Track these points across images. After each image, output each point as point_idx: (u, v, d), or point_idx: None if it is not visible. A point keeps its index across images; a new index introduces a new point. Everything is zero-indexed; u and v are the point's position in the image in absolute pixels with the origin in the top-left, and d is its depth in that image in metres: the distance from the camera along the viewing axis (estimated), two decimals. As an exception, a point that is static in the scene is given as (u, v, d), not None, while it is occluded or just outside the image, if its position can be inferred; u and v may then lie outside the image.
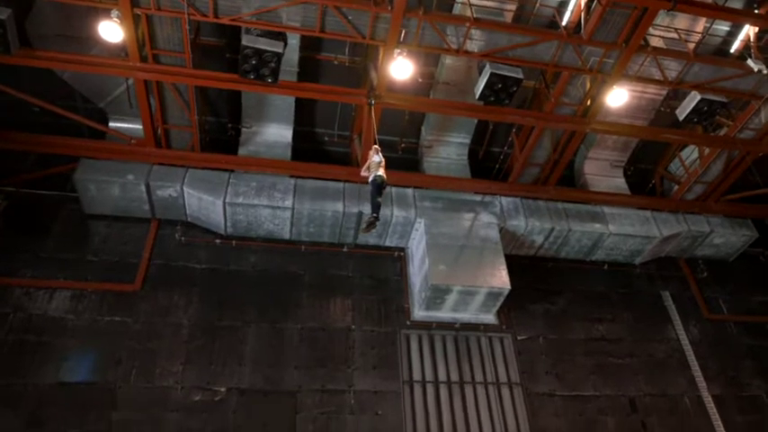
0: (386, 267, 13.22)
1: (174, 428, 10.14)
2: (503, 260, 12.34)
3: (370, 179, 9.35)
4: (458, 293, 12.01)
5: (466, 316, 12.61)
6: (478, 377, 11.98)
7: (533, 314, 13.27)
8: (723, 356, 13.78)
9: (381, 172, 9.26)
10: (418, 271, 12.61)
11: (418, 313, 12.48)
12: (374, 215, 9.52)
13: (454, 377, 11.86)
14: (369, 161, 9.49)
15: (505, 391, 11.93)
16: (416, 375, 11.71)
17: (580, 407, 12.11)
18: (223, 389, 10.71)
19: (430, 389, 11.62)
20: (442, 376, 11.83)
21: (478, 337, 12.56)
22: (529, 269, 13.99)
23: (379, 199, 9.41)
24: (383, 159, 9.40)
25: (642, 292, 14.56)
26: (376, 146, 9.50)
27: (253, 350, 11.27)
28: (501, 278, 12.04)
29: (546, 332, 13.05)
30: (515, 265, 12.84)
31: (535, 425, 11.61)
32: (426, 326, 12.43)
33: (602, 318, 13.67)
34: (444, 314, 12.53)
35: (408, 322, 12.40)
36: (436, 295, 12.00)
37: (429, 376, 11.77)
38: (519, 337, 12.77)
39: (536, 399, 11.99)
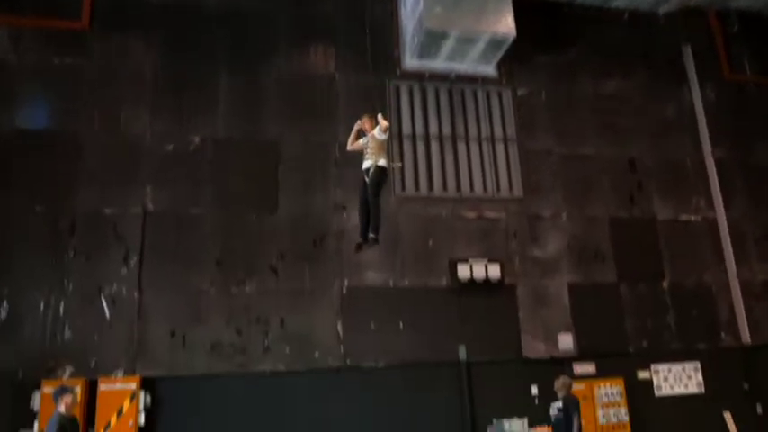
0: (374, 7, 12.85)
1: (147, 177, 10.98)
2: (509, 1, 12.14)
3: (366, 166, 8.62)
4: (455, 40, 12.05)
5: (463, 66, 12.89)
6: (473, 132, 12.79)
7: (538, 66, 13.53)
8: (736, 120, 14.44)
9: (383, 162, 8.48)
10: (411, 13, 12.48)
11: (410, 62, 12.74)
12: (372, 236, 8.23)
13: (446, 131, 12.65)
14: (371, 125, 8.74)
15: (500, 147, 12.86)
16: (406, 129, 12.49)
17: (578, 165, 13.12)
18: (197, 138, 11.36)
19: (420, 144, 12.47)
20: (433, 130, 12.61)
21: (475, 90, 13.09)
22: (538, 14, 13.72)
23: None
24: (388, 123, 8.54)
25: (662, 46, 14.63)
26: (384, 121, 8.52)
27: (227, 98, 11.69)
28: (506, 23, 11.97)
29: (550, 87, 13.50)
30: (523, 8, 12.40)
31: (529, 182, 12.74)
32: (418, 76, 12.79)
33: (614, 72, 14.04)
34: (439, 64, 12.77)
35: (399, 72, 12.74)
36: (430, 41, 12.04)
37: (420, 131, 12.54)
38: (519, 92, 13.29)
39: (532, 156, 12.94)
